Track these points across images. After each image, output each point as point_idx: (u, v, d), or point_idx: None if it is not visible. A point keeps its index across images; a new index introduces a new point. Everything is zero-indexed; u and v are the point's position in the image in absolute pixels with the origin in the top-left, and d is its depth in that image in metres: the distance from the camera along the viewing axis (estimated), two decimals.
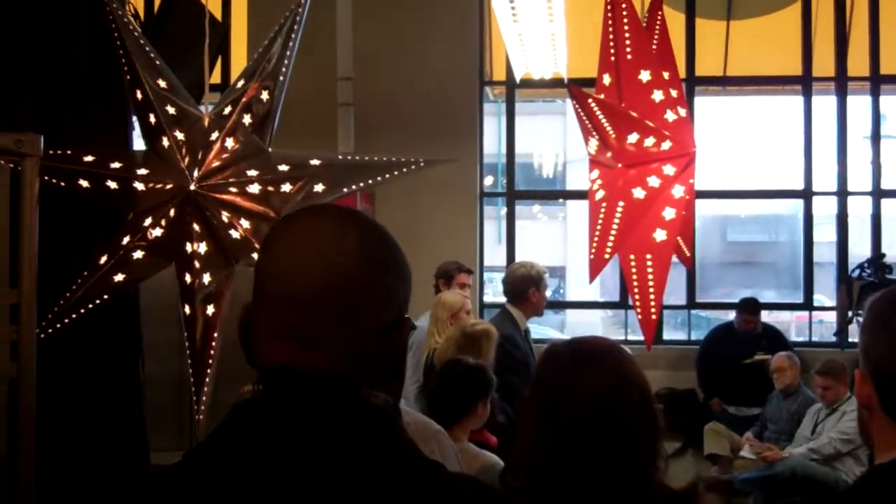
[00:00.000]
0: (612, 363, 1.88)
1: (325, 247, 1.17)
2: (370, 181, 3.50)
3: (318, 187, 3.40)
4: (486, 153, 9.00)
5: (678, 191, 3.40)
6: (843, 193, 8.36)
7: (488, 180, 9.31)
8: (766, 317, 7.96)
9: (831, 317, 8.57)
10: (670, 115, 3.47)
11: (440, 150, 6.46)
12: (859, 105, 8.42)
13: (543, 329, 10.66)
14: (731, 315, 8.04)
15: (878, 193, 8.34)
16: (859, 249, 8.22)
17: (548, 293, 5.27)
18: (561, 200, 16.02)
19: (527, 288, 5.08)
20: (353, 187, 3.53)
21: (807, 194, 8.38)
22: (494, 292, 9.75)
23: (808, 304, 8.50)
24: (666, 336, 8.64)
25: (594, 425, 1.79)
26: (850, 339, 7.82)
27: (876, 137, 8.40)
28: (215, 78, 6.69)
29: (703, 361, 7.81)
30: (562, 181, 16.36)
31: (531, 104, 11.26)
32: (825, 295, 9.29)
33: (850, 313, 7.47)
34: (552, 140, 15.71)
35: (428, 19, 8.16)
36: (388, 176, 3.52)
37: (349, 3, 6.54)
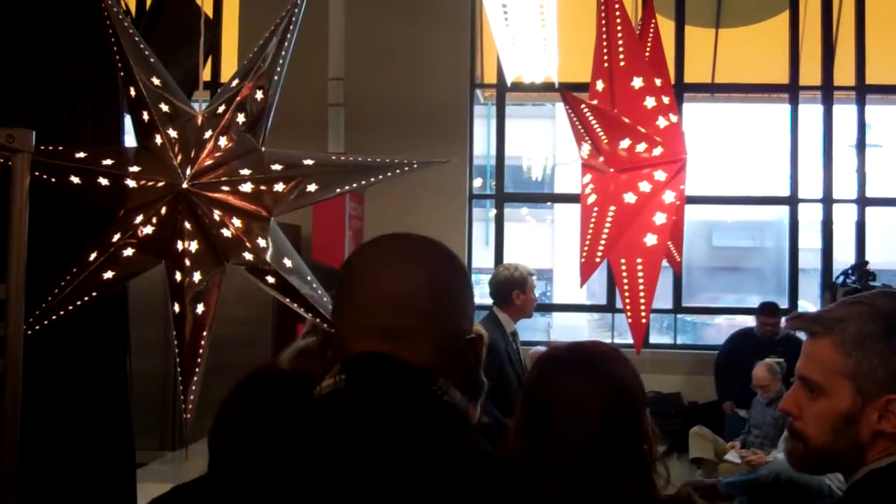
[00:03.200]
0: (605, 371, 1.85)
1: (419, 257, 1.27)
2: (363, 182, 3.49)
3: (311, 187, 3.38)
4: (476, 155, 9.03)
5: (669, 196, 3.43)
6: (828, 201, 8.44)
7: (477, 182, 9.33)
8: (751, 321, 8.01)
9: None
10: (662, 122, 3.50)
11: (430, 151, 6.47)
12: (845, 114, 8.52)
13: (530, 331, 10.68)
14: (718, 319, 8.10)
15: (862, 201, 8.44)
16: (844, 256, 8.29)
17: (536, 294, 5.26)
18: (549, 203, 16.04)
19: (510, 290, 5.07)
20: (346, 188, 3.51)
21: (792, 201, 8.46)
22: (482, 294, 9.76)
23: (792, 310, 8.56)
24: (652, 340, 8.68)
25: (579, 434, 1.77)
26: None
27: (861, 146, 8.50)
28: (205, 75, 6.67)
29: (721, 365, 7.84)
30: (550, 184, 16.39)
31: (521, 107, 11.28)
32: (809, 301, 9.36)
33: None
34: (541, 143, 15.74)
35: (420, 21, 8.17)
36: (381, 177, 3.51)
37: (341, 4, 6.55)
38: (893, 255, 13.58)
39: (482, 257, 9.20)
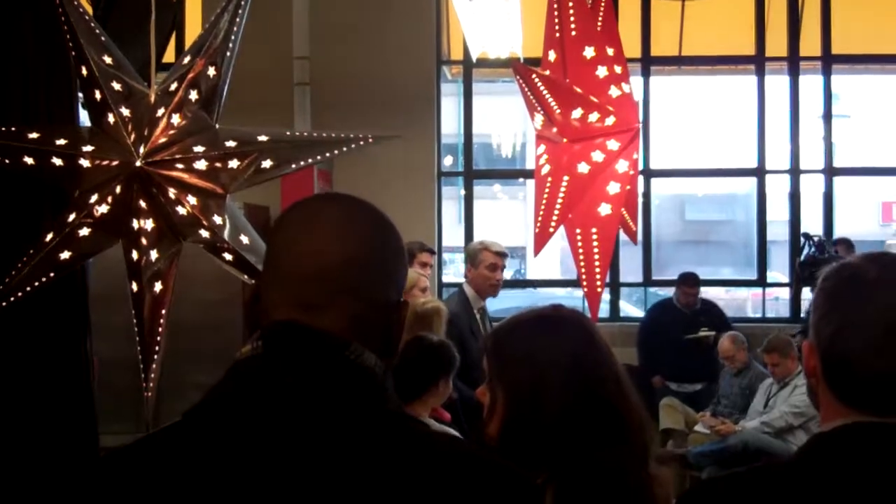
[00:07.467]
0: (579, 330, 1.91)
1: (341, 227, 1.26)
2: (318, 157, 3.50)
3: (266, 163, 3.38)
4: (449, 133, 9.02)
5: (622, 165, 3.45)
6: (795, 171, 8.50)
7: (449, 160, 9.32)
8: (723, 294, 8.06)
9: (787, 293, 8.74)
10: (614, 91, 3.51)
11: (397, 129, 6.44)
12: (811, 84, 8.55)
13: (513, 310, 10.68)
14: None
15: (829, 171, 8.50)
16: (812, 227, 8.35)
17: (494, 272, 5.10)
18: (521, 180, 16.02)
19: (465, 264, 5.11)
20: (302, 163, 3.52)
21: (760, 172, 8.51)
22: (456, 273, 9.78)
23: (761, 281, 8.64)
24: (623, 313, 8.73)
25: (559, 390, 1.81)
26: (802, 315, 8.00)
27: (828, 116, 8.55)
28: (170, 56, 6.62)
29: (644, 338, 7.87)
30: (522, 160, 16.37)
31: (493, 84, 11.26)
32: (780, 272, 9.43)
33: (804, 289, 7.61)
34: (513, 120, 15.71)
35: None
36: (336, 152, 3.53)
37: None
38: (864, 225, 13.72)
39: (455, 235, 9.20)
